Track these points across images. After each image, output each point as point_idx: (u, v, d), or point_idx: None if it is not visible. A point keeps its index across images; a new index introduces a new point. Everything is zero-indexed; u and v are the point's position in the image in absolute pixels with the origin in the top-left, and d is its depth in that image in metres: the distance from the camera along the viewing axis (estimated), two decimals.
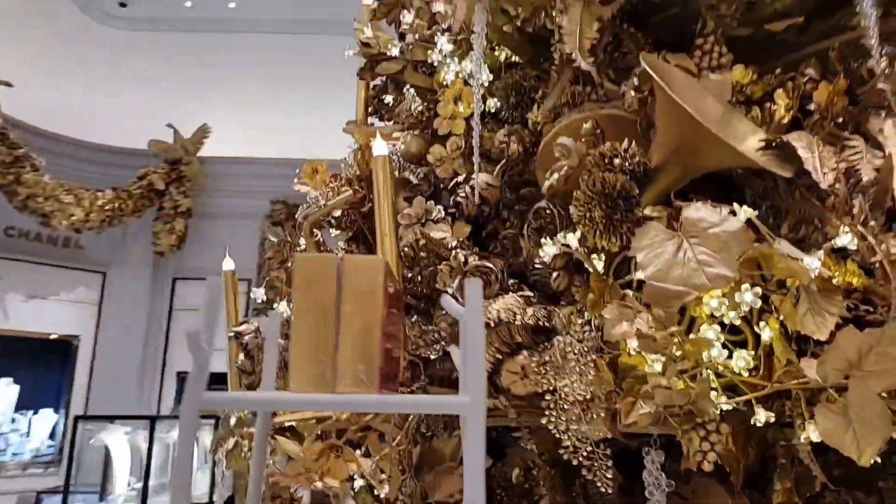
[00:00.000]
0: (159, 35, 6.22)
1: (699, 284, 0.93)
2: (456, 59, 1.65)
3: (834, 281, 0.92)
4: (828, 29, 1.46)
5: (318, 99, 7.28)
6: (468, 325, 0.70)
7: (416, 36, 1.74)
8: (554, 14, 1.50)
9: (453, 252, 1.41)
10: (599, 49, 1.48)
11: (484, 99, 1.68)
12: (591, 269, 1.11)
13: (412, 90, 1.93)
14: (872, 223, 0.99)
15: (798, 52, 1.49)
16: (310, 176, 2.09)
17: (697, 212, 0.98)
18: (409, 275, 1.47)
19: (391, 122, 2.19)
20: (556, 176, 1.24)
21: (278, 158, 7.29)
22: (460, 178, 1.60)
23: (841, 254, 0.98)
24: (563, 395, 1.01)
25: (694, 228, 0.98)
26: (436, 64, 1.70)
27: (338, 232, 1.82)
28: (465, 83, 1.68)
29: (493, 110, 1.63)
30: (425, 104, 1.91)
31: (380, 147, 1.37)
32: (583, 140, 1.32)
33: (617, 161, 1.22)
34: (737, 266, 0.93)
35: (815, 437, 0.88)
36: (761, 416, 0.91)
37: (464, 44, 1.67)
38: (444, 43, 1.63)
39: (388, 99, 2.10)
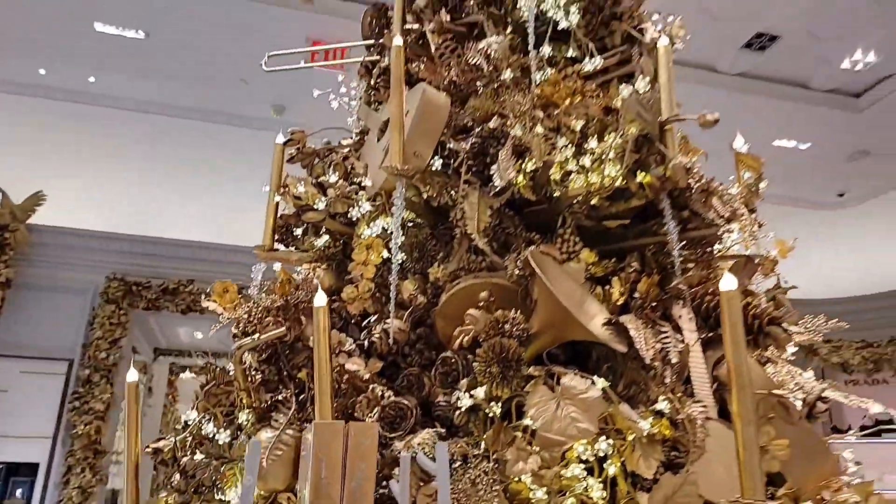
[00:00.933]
0: (6, 97, 5.91)
1: (573, 435, 1.33)
2: (373, 217, 2.01)
3: (655, 434, 1.38)
4: (646, 230, 2.03)
5: (163, 177, 7.24)
6: (440, 476, 1.03)
7: (338, 192, 2.08)
8: (457, 199, 1.94)
9: (370, 386, 1.72)
10: (489, 229, 1.93)
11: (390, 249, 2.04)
12: (490, 414, 1.48)
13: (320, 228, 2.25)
14: (679, 392, 1.48)
15: (625, 242, 2.05)
16: (219, 294, 2.29)
17: (571, 380, 1.41)
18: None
19: (293, 248, 2.48)
20: (463, 336, 1.62)
21: (117, 233, 7.03)
22: (372, 318, 1.92)
23: (658, 412, 1.45)
24: None
25: (568, 393, 1.40)
26: (354, 218, 2.04)
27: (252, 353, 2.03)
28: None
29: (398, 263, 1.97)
30: (333, 242, 2.24)
31: (320, 299, 1.65)
32: (480, 305, 1.73)
33: (507, 326, 1.63)
34: (596, 422, 1.35)
35: None
36: None
37: (381, 206, 2.03)
38: (364, 204, 1.99)
39: (298, 231, 2.39)
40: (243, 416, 1.82)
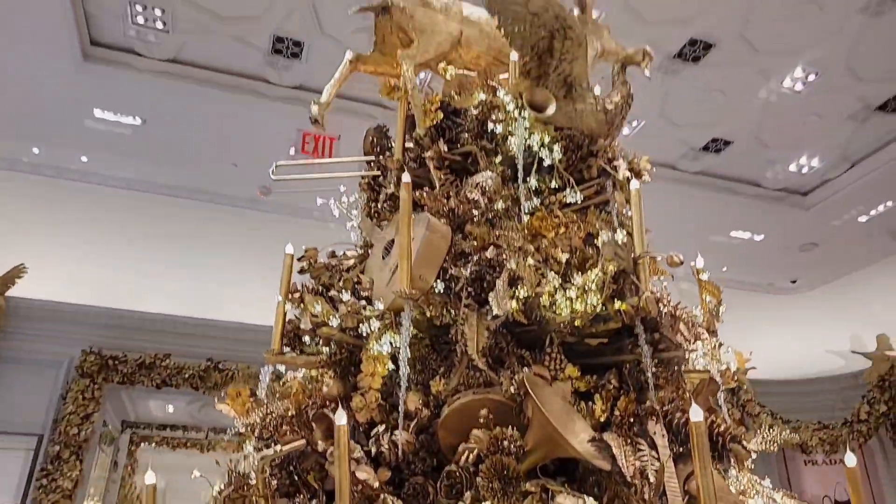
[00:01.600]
0: None
1: None
2: (381, 333, 2.24)
3: None
4: (622, 348, 2.29)
5: (143, 252, 7.38)
6: None
7: (349, 309, 2.31)
8: (458, 319, 2.18)
9: (381, 496, 1.91)
10: (486, 349, 2.17)
11: (396, 362, 2.26)
12: None
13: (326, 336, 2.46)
14: None
15: (604, 358, 2.30)
16: (232, 398, 2.47)
17: (564, 499, 1.63)
18: None
19: (300, 352, 2.68)
20: (468, 453, 1.83)
21: (94, 306, 7.07)
22: (381, 428, 2.12)
23: None
24: None
25: None
26: (364, 333, 2.27)
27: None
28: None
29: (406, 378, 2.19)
30: (339, 350, 2.45)
31: (340, 417, 1.86)
32: (481, 422, 1.95)
33: (506, 444, 1.85)
34: None
35: None
36: None
37: (387, 323, 2.26)
38: (374, 323, 2.22)
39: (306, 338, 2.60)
40: None
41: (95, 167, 6.32)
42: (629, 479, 1.80)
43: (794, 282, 8.76)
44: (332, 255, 2.88)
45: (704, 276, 2.50)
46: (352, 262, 2.79)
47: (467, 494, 1.81)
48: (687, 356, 2.27)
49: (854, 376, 8.32)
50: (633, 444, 1.93)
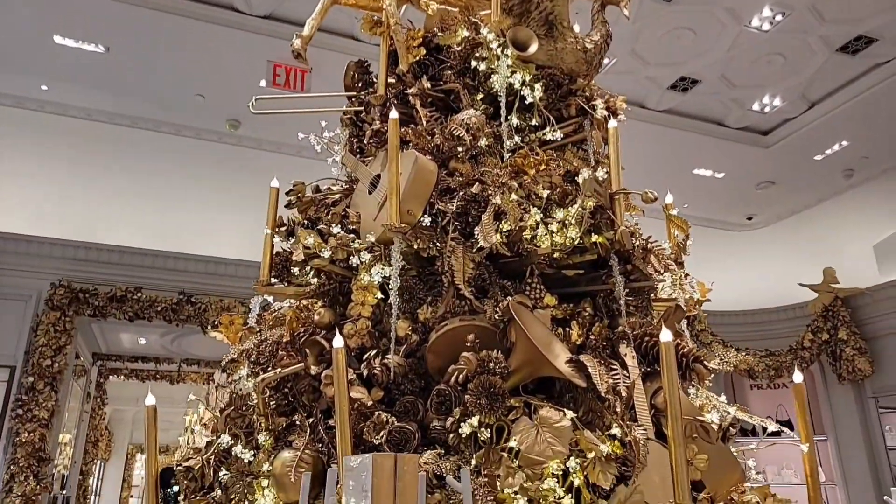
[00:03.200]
0: None
1: (549, 456, 1.74)
2: (371, 265, 2.35)
3: (610, 454, 1.80)
4: (597, 278, 2.46)
5: (113, 185, 7.27)
6: (465, 494, 1.40)
7: (339, 242, 2.40)
8: (444, 252, 2.31)
9: (376, 412, 2.07)
10: (471, 279, 2.31)
11: (384, 291, 2.39)
12: (482, 438, 1.87)
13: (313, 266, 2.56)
14: (626, 418, 1.91)
15: (580, 288, 2.47)
16: (226, 326, 2.57)
17: (547, 412, 1.81)
18: None
19: (288, 283, 2.78)
20: (457, 374, 1.99)
21: (64, 239, 6.99)
22: (372, 353, 2.27)
23: (612, 436, 1.87)
24: None
25: (545, 422, 1.80)
26: (353, 265, 2.38)
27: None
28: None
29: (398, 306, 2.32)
30: (328, 281, 2.55)
31: (338, 341, 1.99)
32: (468, 346, 2.11)
33: (492, 365, 2.02)
34: (567, 445, 1.76)
35: None
36: None
37: (376, 255, 2.37)
38: (365, 255, 2.33)
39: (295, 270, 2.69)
40: (262, 438, 2.13)
41: (57, 96, 6.11)
42: (603, 395, 1.99)
43: (749, 218, 9.12)
44: (317, 189, 2.95)
45: (673, 212, 2.66)
46: (337, 196, 2.86)
47: (456, 410, 1.97)
48: (656, 286, 2.44)
49: (801, 307, 8.83)
50: (607, 364, 2.12)
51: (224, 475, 2.09)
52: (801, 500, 2.02)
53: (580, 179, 2.34)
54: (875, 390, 8.40)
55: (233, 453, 2.14)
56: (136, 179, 7.12)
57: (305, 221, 2.81)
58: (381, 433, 2.03)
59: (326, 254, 2.37)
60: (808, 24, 5.68)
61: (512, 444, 1.83)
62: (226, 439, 2.13)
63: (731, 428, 2.11)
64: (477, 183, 2.41)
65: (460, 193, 2.40)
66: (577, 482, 1.75)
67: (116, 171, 7.01)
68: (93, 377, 9.31)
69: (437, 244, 2.34)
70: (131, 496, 17.06)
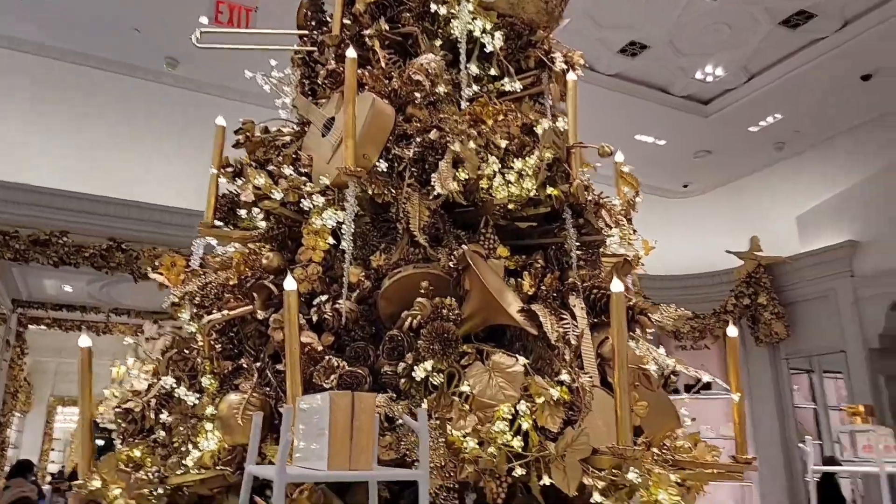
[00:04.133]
0: None
1: (501, 400, 1.77)
2: (324, 208, 2.30)
3: (559, 399, 1.85)
4: (548, 231, 2.48)
5: (39, 122, 6.83)
6: (421, 432, 1.41)
7: (291, 184, 2.33)
8: (399, 198, 2.27)
9: (326, 357, 2.05)
10: (427, 227, 2.29)
11: (335, 237, 2.34)
12: (435, 382, 1.88)
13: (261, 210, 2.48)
14: (574, 365, 1.96)
15: (532, 240, 2.49)
16: (167, 268, 2.47)
17: (500, 358, 1.84)
18: None
19: (233, 226, 2.69)
20: (411, 319, 1.99)
21: None
22: (323, 298, 2.23)
23: (560, 382, 1.92)
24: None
25: (498, 367, 1.83)
26: (306, 208, 2.31)
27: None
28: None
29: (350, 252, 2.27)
30: (277, 224, 2.48)
31: (290, 283, 1.95)
32: (422, 293, 2.10)
33: (445, 311, 2.02)
34: (519, 390, 1.79)
35: (546, 482, 1.76)
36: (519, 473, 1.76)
37: (330, 199, 2.31)
38: (318, 199, 2.27)
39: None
40: (206, 381, 2.07)
41: None
42: (553, 344, 2.04)
43: (685, 186, 9.41)
44: (266, 130, 2.84)
45: (625, 169, 2.71)
46: (288, 138, 2.77)
47: (409, 356, 1.98)
48: (606, 240, 2.49)
49: (727, 273, 9.25)
50: (557, 314, 2.16)
51: (166, 417, 2.04)
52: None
53: (540, 130, 2.34)
54: (788, 353, 8.96)
55: (176, 395, 2.09)
56: (64, 118, 6.68)
57: (253, 163, 2.71)
58: (332, 377, 2.01)
59: (278, 195, 2.30)
60: None
61: (464, 388, 1.85)
62: (169, 381, 2.07)
63: (672, 375, 2.20)
64: (435, 129, 2.37)
65: (417, 140, 2.36)
66: (525, 425, 1.79)
67: (42, 107, 6.54)
68: (12, 325, 8.85)
69: (393, 190, 2.31)
70: (52, 449, 16.55)
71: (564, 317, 2.15)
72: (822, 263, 8.34)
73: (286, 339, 1.90)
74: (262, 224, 2.49)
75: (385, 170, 2.34)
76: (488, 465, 1.72)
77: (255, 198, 2.30)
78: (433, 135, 2.35)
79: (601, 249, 2.51)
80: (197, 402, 2.03)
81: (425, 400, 1.89)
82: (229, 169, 2.69)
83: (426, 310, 1.98)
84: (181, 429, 1.95)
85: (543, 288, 2.24)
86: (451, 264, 2.19)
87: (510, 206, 2.34)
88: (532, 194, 2.33)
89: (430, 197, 2.28)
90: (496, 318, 2.03)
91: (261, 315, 2.27)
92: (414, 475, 1.39)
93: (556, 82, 2.80)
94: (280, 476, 1.24)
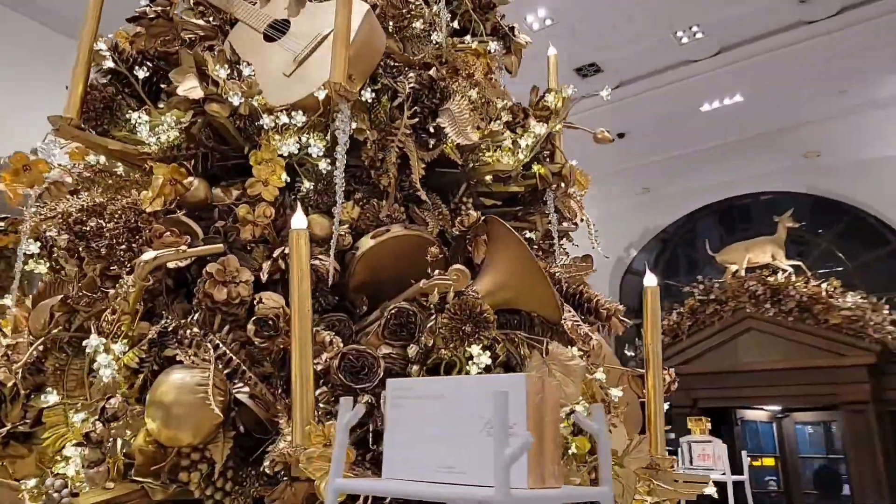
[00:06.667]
0: None
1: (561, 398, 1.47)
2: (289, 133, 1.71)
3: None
4: (509, 214, 2.23)
5: None
6: (601, 437, 1.06)
7: (245, 92, 1.68)
8: (394, 144, 1.82)
9: (315, 329, 1.49)
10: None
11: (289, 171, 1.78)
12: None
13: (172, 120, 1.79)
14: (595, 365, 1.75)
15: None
16: (16, 172, 1.61)
17: (557, 348, 1.53)
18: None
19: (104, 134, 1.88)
20: (447, 293, 1.55)
21: None
22: (285, 250, 1.65)
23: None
24: None
25: (556, 359, 1.52)
26: (265, 127, 1.69)
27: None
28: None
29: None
30: (195, 142, 1.80)
31: (299, 220, 1.38)
32: (430, 259, 1.68)
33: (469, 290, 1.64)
34: (579, 386, 1.52)
35: None
36: None
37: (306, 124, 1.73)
38: (298, 116, 1.68)
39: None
40: (119, 347, 1.33)
41: None
42: (571, 338, 1.79)
43: None
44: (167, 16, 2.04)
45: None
46: (201, 32, 2.03)
47: (423, 336, 1.54)
48: (573, 230, 2.33)
49: None
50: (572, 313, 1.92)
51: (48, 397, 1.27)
52: None
53: (551, 98, 2.09)
54: None
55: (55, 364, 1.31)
56: None
57: (153, 52, 1.92)
58: (324, 357, 1.47)
59: (236, 100, 1.64)
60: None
61: None
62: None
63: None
64: (434, 67, 1.95)
65: (412, 75, 1.91)
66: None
67: None
68: None
69: (385, 129, 1.83)
70: None
71: (574, 316, 1.92)
72: None
73: (293, 300, 1.33)
74: (169, 138, 1.78)
75: (369, 102, 1.85)
76: None
77: (205, 95, 1.61)
78: (433, 72, 1.93)
79: (564, 240, 2.34)
80: (110, 377, 1.29)
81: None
82: (111, 51, 1.86)
83: (464, 279, 1.58)
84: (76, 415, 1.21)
85: None
86: (456, 230, 1.81)
87: (500, 175, 2.05)
88: (520, 167, 2.07)
89: (430, 147, 1.86)
90: (526, 299, 1.72)
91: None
92: (599, 494, 1.03)
93: (516, 55, 2.57)
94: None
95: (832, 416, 9.23)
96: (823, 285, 8.21)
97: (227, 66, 1.77)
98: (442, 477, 0.97)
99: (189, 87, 1.62)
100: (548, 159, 2.18)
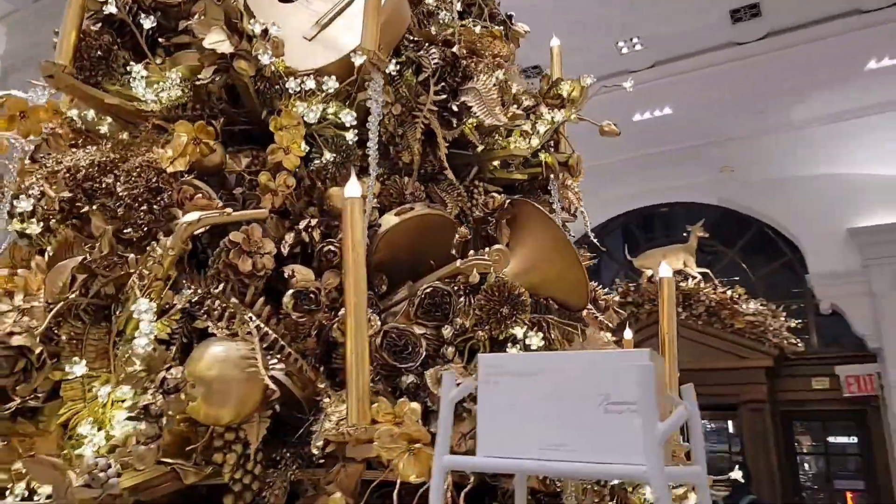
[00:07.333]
0: None
1: None
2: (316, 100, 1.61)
3: None
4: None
5: None
6: (693, 419, 1.07)
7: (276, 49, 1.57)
8: (420, 119, 1.76)
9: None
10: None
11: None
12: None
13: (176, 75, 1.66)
14: None
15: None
16: (11, 117, 1.44)
17: (594, 333, 1.54)
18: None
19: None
20: (490, 275, 1.51)
21: None
22: (312, 222, 1.56)
23: None
24: None
25: (593, 343, 1.52)
26: (291, 91, 1.59)
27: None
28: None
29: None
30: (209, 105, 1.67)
31: (353, 188, 1.30)
32: (459, 240, 1.64)
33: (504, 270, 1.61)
34: None
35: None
36: None
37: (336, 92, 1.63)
38: (331, 81, 1.59)
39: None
40: (146, 313, 1.20)
41: None
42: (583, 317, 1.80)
43: None
44: None
45: None
46: None
47: (459, 318, 1.50)
48: (571, 222, 2.34)
49: None
50: None
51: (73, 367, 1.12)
52: None
53: (566, 87, 2.09)
54: None
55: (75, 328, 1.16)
56: None
57: (150, 2, 1.76)
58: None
59: (266, 59, 1.53)
60: None
61: None
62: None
63: None
64: (457, 45, 1.90)
65: (435, 52, 1.86)
66: None
67: None
68: None
69: (411, 102, 1.76)
70: None
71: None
72: None
73: (348, 272, 1.26)
74: (167, 96, 1.64)
75: (395, 75, 1.79)
76: None
77: (234, 49, 1.48)
78: (456, 49, 1.88)
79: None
80: (148, 347, 1.16)
81: None
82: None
83: (505, 260, 1.54)
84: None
85: None
86: (479, 212, 1.78)
87: (508, 160, 2.03)
88: (529, 156, 2.07)
89: (454, 126, 1.82)
90: (553, 284, 1.70)
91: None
92: (692, 474, 1.03)
93: (512, 41, 2.55)
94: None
95: (728, 414, 9.84)
96: (729, 292, 8.73)
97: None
98: (550, 455, 0.95)
99: (216, 41, 1.49)
100: (552, 148, 2.18)
